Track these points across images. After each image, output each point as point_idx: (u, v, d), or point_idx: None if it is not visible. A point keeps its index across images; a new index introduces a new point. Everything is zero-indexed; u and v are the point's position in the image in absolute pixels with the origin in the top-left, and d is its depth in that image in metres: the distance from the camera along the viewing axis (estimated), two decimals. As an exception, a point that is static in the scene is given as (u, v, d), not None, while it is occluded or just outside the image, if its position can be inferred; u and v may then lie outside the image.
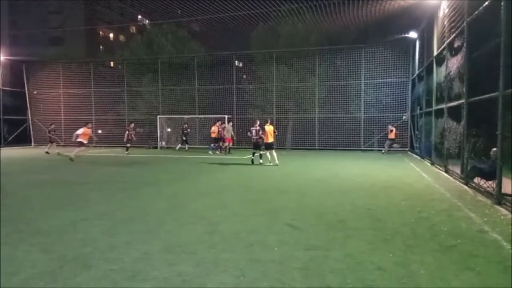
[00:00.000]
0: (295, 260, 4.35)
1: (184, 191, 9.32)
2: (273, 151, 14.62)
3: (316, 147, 22.68)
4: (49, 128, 21.12)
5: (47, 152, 20.04)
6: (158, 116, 24.69)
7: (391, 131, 19.97)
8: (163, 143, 24.75)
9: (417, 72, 19.16)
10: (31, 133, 27.57)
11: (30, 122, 27.65)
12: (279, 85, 23.67)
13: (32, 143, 27.23)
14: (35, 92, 27.65)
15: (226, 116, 22.54)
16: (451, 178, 10.78)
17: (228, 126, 20.20)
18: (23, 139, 27.03)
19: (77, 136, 16.46)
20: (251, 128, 15.47)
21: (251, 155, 15.42)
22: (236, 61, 25.46)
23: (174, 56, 26.95)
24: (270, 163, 14.54)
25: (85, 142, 16.85)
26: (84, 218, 6.46)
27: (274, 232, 5.50)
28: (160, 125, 24.76)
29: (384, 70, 21.62)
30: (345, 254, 4.57)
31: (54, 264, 4.24)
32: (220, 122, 20.51)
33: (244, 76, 26.46)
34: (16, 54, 28.46)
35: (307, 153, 20.64)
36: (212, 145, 20.64)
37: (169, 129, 25.38)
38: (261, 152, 14.95)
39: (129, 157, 18.45)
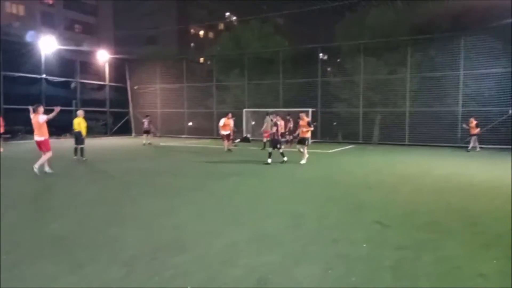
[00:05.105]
0: (385, 259, 4.20)
1: (267, 183, 9.50)
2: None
3: (406, 143, 21.42)
4: (144, 120, 21.51)
5: (149, 143, 20.45)
6: (244, 110, 25.38)
7: (474, 124, 17.89)
8: (248, 135, 25.41)
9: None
10: (132, 124, 30.31)
11: (132, 114, 30.40)
12: (367, 77, 22.75)
13: (133, 134, 29.93)
14: (136, 87, 30.31)
15: (310, 110, 22.32)
16: None
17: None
18: (125, 130, 29.89)
19: (220, 129, 16.76)
20: (277, 122, 13.18)
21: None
22: (321, 54, 25.03)
23: (260, 51, 27.40)
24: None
25: (225, 133, 16.91)
26: (176, 204, 6.97)
27: (361, 229, 5.35)
28: (246, 119, 25.42)
29: (487, 59, 19.49)
30: (439, 256, 4.29)
31: (153, 245, 4.65)
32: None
33: (329, 69, 25.92)
34: (119, 53, 31.53)
35: (396, 149, 19.58)
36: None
37: (253, 122, 25.94)
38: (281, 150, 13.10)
39: (216, 148, 19.17)
